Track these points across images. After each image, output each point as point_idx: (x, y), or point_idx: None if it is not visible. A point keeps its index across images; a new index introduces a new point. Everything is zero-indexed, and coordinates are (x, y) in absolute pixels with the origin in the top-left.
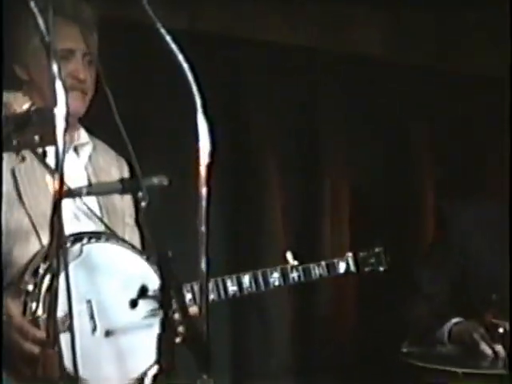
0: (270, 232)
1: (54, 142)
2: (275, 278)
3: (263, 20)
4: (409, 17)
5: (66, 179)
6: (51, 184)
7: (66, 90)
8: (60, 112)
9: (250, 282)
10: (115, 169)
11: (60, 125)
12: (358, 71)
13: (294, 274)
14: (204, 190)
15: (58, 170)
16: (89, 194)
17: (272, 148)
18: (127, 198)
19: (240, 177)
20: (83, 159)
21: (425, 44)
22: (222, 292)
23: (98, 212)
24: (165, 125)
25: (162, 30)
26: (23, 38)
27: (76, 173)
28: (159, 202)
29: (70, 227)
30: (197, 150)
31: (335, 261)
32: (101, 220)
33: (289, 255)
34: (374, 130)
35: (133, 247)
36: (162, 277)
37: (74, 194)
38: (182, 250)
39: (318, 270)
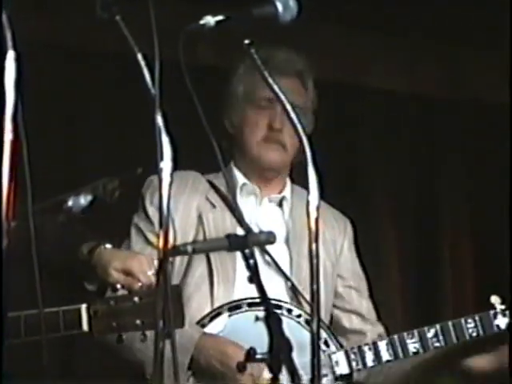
0: (386, 291)
1: (182, 324)
2: (471, 327)
3: (377, 67)
4: None
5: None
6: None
7: (264, 141)
8: (166, 167)
9: (436, 336)
10: (331, 229)
11: (166, 180)
12: (478, 118)
13: (500, 321)
14: (314, 247)
15: (163, 227)
16: (194, 251)
17: (387, 200)
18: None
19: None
20: (286, 214)
21: None
22: (399, 350)
23: (287, 268)
24: None
25: (270, 79)
26: (231, 90)
27: (275, 229)
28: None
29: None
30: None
31: None
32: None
33: (494, 298)
34: (499, 179)
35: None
36: (270, 338)
37: (179, 252)
38: None
39: None
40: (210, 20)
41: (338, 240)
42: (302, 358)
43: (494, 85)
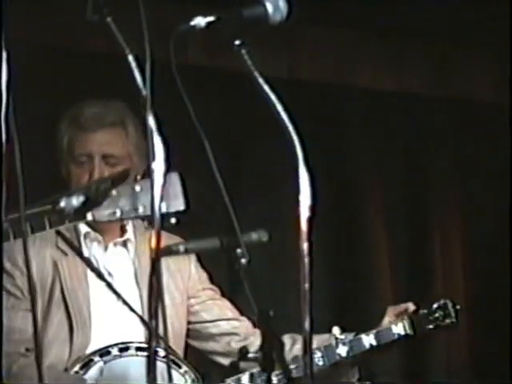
0: (376, 289)
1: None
2: (318, 357)
3: (364, 67)
4: None
5: (115, 277)
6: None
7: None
8: (158, 167)
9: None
10: (175, 259)
11: (158, 180)
12: (466, 117)
13: (341, 350)
14: (305, 246)
15: (155, 228)
16: (186, 251)
17: (377, 199)
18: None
19: (344, 231)
20: (131, 254)
21: None
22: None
23: (139, 306)
24: (264, 177)
25: (261, 80)
26: (56, 144)
27: (123, 269)
28: (259, 257)
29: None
30: (297, 204)
31: (387, 327)
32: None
33: (335, 329)
34: (487, 177)
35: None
36: (262, 337)
37: (171, 252)
38: (283, 308)
39: (367, 341)
40: (200, 21)
41: (183, 267)
42: None
43: (482, 84)
